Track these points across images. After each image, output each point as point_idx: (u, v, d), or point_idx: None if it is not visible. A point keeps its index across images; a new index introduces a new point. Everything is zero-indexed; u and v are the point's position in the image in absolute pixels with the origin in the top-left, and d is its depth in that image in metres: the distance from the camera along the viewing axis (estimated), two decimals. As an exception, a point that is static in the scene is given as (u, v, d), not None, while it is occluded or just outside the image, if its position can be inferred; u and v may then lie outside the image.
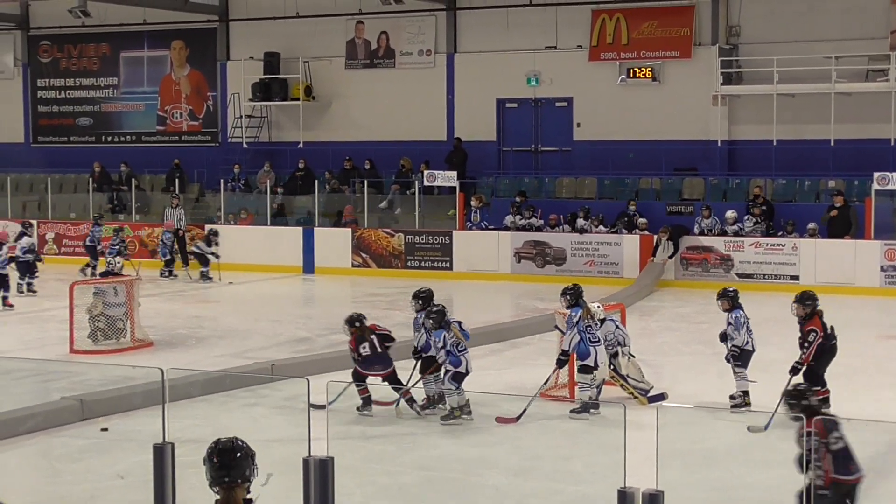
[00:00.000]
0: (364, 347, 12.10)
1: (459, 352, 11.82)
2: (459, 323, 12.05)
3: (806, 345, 11.84)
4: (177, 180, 28.19)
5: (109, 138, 31.67)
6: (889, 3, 23.88)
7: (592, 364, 12.12)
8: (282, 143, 29.37)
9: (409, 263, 24.46)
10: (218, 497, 5.36)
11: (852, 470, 7.50)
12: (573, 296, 12.44)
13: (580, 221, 23.77)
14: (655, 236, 22.68)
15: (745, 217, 22.75)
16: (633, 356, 12.94)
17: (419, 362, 12.43)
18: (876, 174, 21.70)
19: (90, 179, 28.84)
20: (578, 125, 26.63)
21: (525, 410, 11.63)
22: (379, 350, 12.15)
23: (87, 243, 24.62)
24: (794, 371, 11.76)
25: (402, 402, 12.08)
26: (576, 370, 12.34)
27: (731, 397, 12.36)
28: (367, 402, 12.04)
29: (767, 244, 22.14)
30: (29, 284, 21.00)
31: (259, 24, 29.49)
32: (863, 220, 22.19)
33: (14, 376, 13.69)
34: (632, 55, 25.89)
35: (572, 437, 11.67)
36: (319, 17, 28.74)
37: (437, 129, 27.76)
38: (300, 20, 28.90)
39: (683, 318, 19.31)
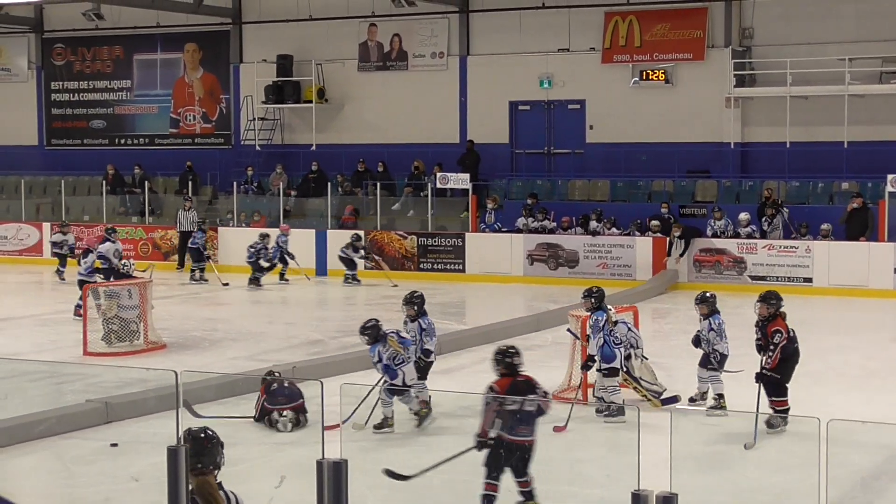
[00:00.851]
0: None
1: (397, 365, 11.61)
2: (397, 332, 11.89)
3: (771, 347, 11.37)
4: (190, 183, 28.23)
5: (123, 141, 31.75)
6: (903, 4, 23.87)
7: (619, 366, 12.12)
8: (294, 146, 29.39)
9: (421, 266, 24.47)
10: (191, 486, 5.80)
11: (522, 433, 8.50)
12: (598, 299, 12.38)
13: (593, 224, 23.75)
14: (668, 237, 22.65)
15: (763, 220, 22.61)
16: (646, 358, 12.92)
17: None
18: (890, 176, 21.60)
19: (104, 182, 28.87)
20: (591, 127, 26.59)
21: (570, 416, 11.50)
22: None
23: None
24: (761, 378, 11.37)
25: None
26: (601, 374, 12.23)
27: (711, 398, 12.30)
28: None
29: (781, 246, 22.09)
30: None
31: (272, 27, 29.53)
32: (876, 223, 22.12)
33: (29, 378, 13.75)
34: (645, 57, 25.85)
35: (586, 440, 11.65)
36: (332, 19, 28.76)
37: (449, 131, 27.76)
38: (313, 23, 28.94)
39: (696, 321, 19.15)
